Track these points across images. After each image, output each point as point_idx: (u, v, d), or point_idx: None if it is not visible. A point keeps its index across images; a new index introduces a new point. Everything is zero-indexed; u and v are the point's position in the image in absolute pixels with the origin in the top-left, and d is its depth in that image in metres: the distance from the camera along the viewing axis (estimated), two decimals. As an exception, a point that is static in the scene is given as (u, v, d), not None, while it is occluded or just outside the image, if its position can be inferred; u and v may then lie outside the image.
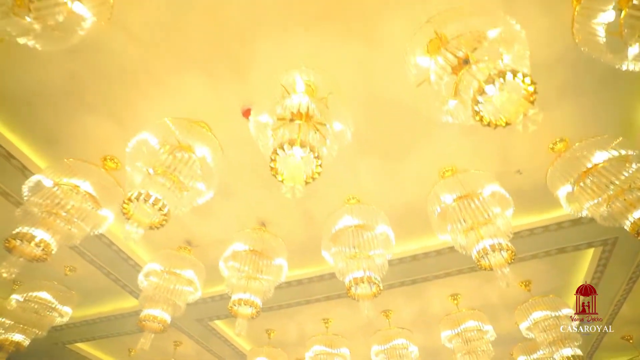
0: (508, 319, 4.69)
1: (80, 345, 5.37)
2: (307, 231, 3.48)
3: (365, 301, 2.36)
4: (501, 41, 1.58)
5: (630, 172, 2.15)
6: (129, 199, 1.77)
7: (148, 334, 2.85)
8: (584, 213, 2.53)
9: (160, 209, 1.83)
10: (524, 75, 1.34)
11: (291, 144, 1.55)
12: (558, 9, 2.11)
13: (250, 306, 2.63)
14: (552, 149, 2.79)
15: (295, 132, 1.72)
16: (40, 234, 2.20)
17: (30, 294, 3.50)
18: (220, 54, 2.35)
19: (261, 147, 1.96)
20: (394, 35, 2.23)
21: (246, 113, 2.55)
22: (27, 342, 3.58)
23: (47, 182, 2.34)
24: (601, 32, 1.60)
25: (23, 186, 2.43)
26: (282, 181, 1.62)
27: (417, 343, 4.28)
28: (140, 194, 1.76)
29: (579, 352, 3.56)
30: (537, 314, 3.76)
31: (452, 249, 3.42)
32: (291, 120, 1.84)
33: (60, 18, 1.44)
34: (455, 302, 4.31)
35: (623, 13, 1.53)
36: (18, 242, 2.15)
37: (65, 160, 2.45)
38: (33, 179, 2.35)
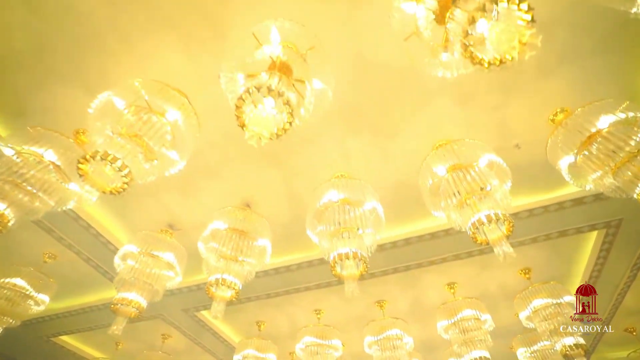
0: (507, 309, 4.51)
1: (65, 338, 5.19)
2: (294, 214, 3.30)
3: (351, 282, 2.17)
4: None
5: (640, 136, 1.97)
6: (84, 158, 1.59)
7: (121, 319, 2.67)
8: (589, 187, 2.36)
9: (120, 170, 1.65)
10: (520, 1, 1.17)
11: (259, 88, 1.37)
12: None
13: (230, 288, 2.45)
14: (553, 120, 2.61)
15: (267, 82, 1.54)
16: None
17: (2, 280, 3.32)
18: (197, 14, 2.18)
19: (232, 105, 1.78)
20: (381, -11, 2.06)
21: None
22: (-2, 331, 3.40)
23: (8, 151, 2.16)
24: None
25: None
26: (244, 127, 1.43)
27: (413, 335, 4.10)
28: (97, 153, 1.59)
29: (581, 340, 3.37)
30: (538, 302, 3.58)
31: (447, 232, 3.25)
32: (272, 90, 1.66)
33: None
34: (452, 290, 4.13)
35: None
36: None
37: (30, 128, 2.28)
38: (-8, 149, 2.18)
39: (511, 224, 1.98)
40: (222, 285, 2.35)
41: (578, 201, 3.00)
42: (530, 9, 1.18)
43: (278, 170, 2.99)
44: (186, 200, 3.25)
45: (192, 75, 2.45)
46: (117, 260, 2.93)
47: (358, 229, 2.39)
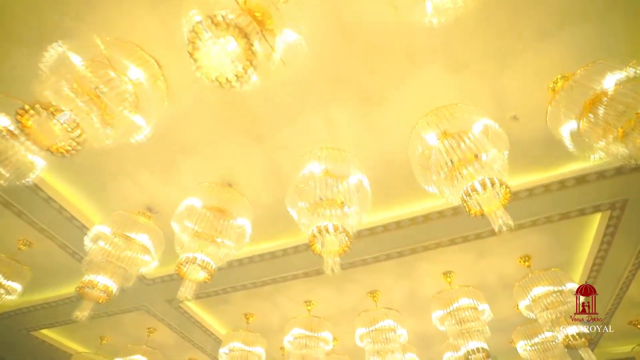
0: (507, 300, 4.32)
1: (45, 332, 4.98)
2: (278, 196, 3.08)
3: (330, 259, 1.97)
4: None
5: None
6: (23, 109, 1.40)
7: (87, 303, 2.47)
8: (594, 157, 2.15)
9: (67, 125, 1.46)
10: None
11: (215, 23, 1.18)
12: None
13: (203, 269, 2.25)
14: (553, 89, 2.40)
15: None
16: None
17: (-31, 266, 3.13)
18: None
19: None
20: None
21: None
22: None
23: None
24: None
25: None
26: (196, 62, 1.24)
27: (409, 330, 3.90)
28: (36, 102, 1.39)
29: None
30: (538, 290, 3.37)
31: (441, 213, 3.06)
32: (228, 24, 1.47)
33: None
34: (449, 279, 3.93)
35: None
36: None
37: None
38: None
39: (508, 191, 1.79)
40: (193, 264, 2.15)
41: (581, 179, 2.81)
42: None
43: (260, 145, 2.79)
44: (165, 180, 3.06)
45: (165, 42, 2.26)
46: (87, 241, 2.73)
47: (342, 205, 2.20)
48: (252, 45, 1.33)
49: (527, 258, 3.76)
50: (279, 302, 4.39)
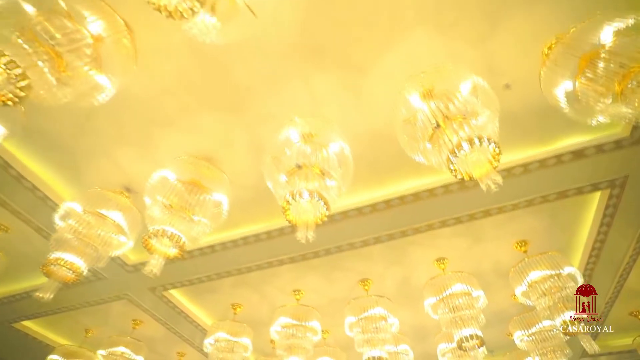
0: (503, 290, 4.17)
1: (27, 323, 4.83)
2: (261, 173, 2.95)
3: (305, 230, 1.83)
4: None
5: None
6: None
7: (52, 282, 2.32)
8: (594, 122, 2.00)
9: (7, 69, 1.32)
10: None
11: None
12: None
13: (173, 243, 2.10)
14: (548, 55, 2.26)
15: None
16: None
17: None
18: None
19: None
20: None
21: None
22: None
23: None
24: None
25: None
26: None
27: (403, 321, 3.76)
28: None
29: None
30: (535, 274, 3.22)
31: (431, 192, 2.91)
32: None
33: None
34: (442, 266, 3.78)
35: None
36: None
37: None
38: None
39: (498, 148, 1.64)
40: (162, 237, 2.00)
41: (578, 153, 2.66)
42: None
43: (241, 118, 2.64)
44: (142, 158, 2.90)
45: (139, 5, 2.11)
46: (57, 220, 2.59)
47: (322, 174, 2.05)
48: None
49: (523, 243, 3.61)
50: (267, 292, 4.24)
